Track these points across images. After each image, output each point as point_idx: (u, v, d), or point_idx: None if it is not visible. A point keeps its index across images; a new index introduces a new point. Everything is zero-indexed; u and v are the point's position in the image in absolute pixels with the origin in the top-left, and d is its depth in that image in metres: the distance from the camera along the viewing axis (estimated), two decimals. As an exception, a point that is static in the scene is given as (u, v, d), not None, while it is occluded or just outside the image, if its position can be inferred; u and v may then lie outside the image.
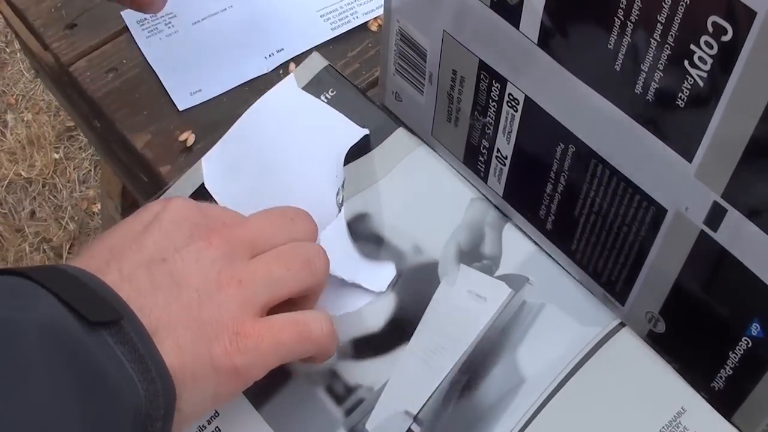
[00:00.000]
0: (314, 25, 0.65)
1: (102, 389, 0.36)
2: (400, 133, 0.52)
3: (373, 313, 0.47)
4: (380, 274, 0.48)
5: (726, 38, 0.37)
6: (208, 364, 0.40)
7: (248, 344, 0.41)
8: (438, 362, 0.45)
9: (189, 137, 0.60)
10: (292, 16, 0.66)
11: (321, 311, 0.44)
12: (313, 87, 0.54)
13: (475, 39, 0.50)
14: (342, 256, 0.47)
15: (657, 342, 0.49)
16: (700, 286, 0.46)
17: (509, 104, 0.51)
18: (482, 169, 0.56)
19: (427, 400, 0.44)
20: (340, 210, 0.49)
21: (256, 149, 0.52)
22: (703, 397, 0.46)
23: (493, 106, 0.52)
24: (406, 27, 0.55)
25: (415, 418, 0.44)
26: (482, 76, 0.51)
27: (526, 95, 0.49)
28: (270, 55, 0.64)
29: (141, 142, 0.60)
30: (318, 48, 0.64)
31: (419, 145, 0.52)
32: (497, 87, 0.50)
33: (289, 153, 0.51)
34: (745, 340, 0.45)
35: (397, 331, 0.46)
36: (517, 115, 0.50)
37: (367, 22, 0.65)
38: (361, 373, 0.45)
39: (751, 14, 0.35)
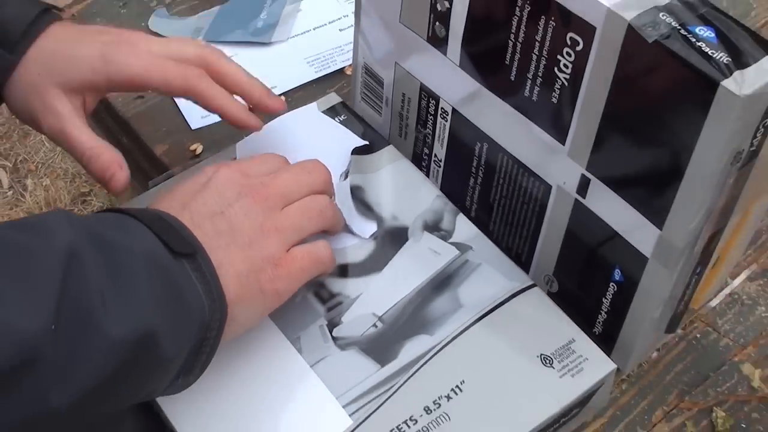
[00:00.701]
0: (302, 69, 0.81)
1: (183, 302, 0.49)
2: (390, 148, 0.68)
3: (357, 250, 0.62)
4: (366, 226, 0.63)
5: (579, 48, 0.52)
6: (257, 289, 0.54)
7: (283, 272, 0.55)
8: (401, 286, 0.60)
9: (198, 147, 0.75)
10: (285, 62, 0.81)
11: (323, 241, 0.58)
12: (329, 113, 0.70)
13: (416, 66, 0.66)
14: (343, 206, 0.63)
15: (558, 301, 0.63)
16: (578, 246, 0.60)
17: (441, 116, 0.66)
18: (424, 173, 0.71)
19: (390, 308, 0.59)
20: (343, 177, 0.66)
21: (281, 142, 0.67)
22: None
23: (431, 119, 0.67)
24: (370, 62, 0.70)
25: (380, 318, 0.58)
26: (422, 95, 0.66)
27: (453, 107, 0.64)
28: (265, 92, 0.80)
29: (160, 150, 0.75)
30: (303, 86, 0.80)
31: (402, 158, 0.68)
32: (433, 103, 0.66)
33: (307, 147, 0.67)
34: (612, 285, 0.59)
35: (373, 264, 0.61)
36: (447, 125, 0.66)
37: (343, 68, 0.81)
38: (342, 286, 0.60)
39: (593, 29, 0.51)
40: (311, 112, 0.70)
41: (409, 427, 0.53)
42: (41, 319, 0.41)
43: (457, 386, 0.55)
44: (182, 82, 0.62)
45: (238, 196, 0.56)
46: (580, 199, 0.58)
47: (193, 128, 0.77)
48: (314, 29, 0.83)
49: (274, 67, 0.81)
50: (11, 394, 0.41)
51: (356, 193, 0.65)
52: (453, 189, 0.68)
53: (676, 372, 0.64)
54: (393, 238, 0.62)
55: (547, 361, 0.57)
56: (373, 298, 0.59)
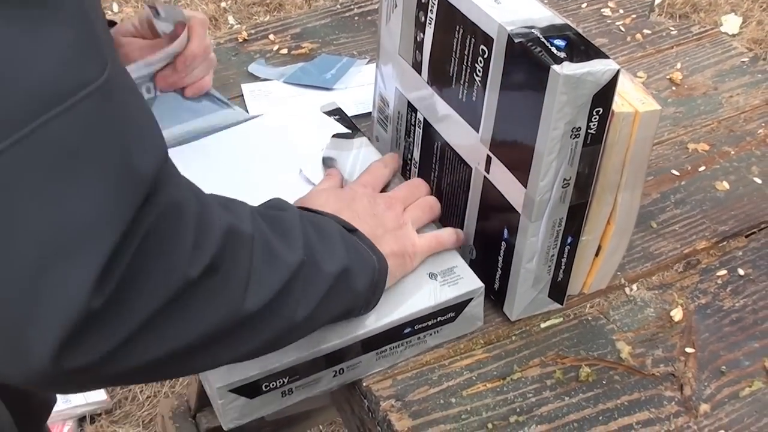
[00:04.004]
0: (349, 107, 1.03)
1: (360, 254, 0.69)
2: (364, 138, 0.90)
3: None
4: None
5: (485, 56, 0.72)
6: (402, 259, 0.74)
7: (418, 250, 0.76)
8: None
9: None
10: (339, 101, 1.05)
11: (448, 229, 0.81)
12: (328, 113, 0.94)
13: (405, 87, 0.87)
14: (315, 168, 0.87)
15: (475, 266, 0.80)
16: (486, 215, 0.78)
17: (418, 126, 0.86)
18: (408, 176, 0.90)
19: None
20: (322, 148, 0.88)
21: (292, 126, 0.91)
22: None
23: (412, 129, 0.87)
24: (382, 91, 0.92)
25: None
26: (408, 109, 0.87)
27: (424, 117, 0.85)
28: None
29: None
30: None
31: (370, 146, 0.89)
32: (413, 115, 0.86)
33: (309, 130, 0.90)
34: (503, 243, 0.76)
35: None
36: (421, 132, 0.86)
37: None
38: None
39: (492, 39, 0.71)
40: (315, 111, 0.94)
41: None
42: (297, 257, 0.62)
43: None
44: None
45: (378, 204, 0.77)
46: (486, 174, 0.76)
47: (257, 133, 1.01)
48: (367, 84, 1.07)
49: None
50: (283, 303, 0.60)
51: (327, 161, 0.87)
52: (422, 184, 0.88)
53: (562, 338, 0.78)
54: None
55: (433, 276, 0.75)
56: None
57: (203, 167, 0.81)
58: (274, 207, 0.68)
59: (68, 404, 1.59)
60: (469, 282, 0.75)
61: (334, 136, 0.89)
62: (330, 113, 0.94)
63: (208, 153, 0.88)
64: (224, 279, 0.54)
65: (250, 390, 0.69)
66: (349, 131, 0.91)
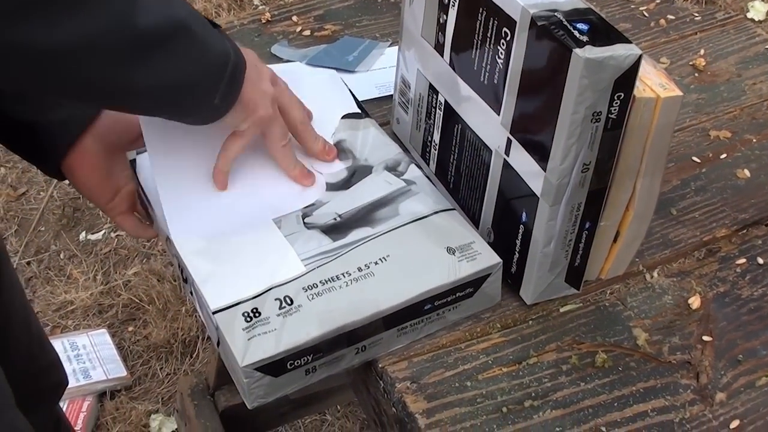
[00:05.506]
0: (370, 90, 1.02)
1: (211, 32, 0.70)
2: (371, 120, 0.90)
3: (335, 176, 0.83)
4: (340, 163, 0.85)
5: (508, 38, 0.71)
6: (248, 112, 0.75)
7: (256, 118, 0.77)
8: (359, 199, 0.80)
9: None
10: (361, 84, 1.04)
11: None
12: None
13: (427, 69, 0.86)
14: None
15: (492, 248, 0.79)
16: (504, 198, 0.77)
17: (439, 108, 0.85)
18: (427, 158, 0.90)
19: (348, 210, 0.79)
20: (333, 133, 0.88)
21: (308, 85, 0.89)
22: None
23: (433, 111, 0.87)
24: (404, 73, 0.92)
25: (340, 215, 0.78)
26: (430, 92, 0.86)
27: (445, 99, 0.84)
28: (340, 103, 1.03)
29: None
30: (369, 100, 1.02)
31: (378, 127, 0.89)
32: (434, 97, 0.86)
33: (321, 98, 0.90)
34: (521, 226, 0.75)
35: (343, 185, 0.82)
36: (441, 114, 0.85)
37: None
38: (320, 196, 0.81)
39: (514, 22, 0.70)
40: (335, 77, 0.95)
41: (344, 276, 0.73)
42: None
43: (383, 258, 0.74)
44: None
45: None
46: (506, 157, 0.75)
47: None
48: (389, 67, 1.06)
49: (353, 85, 1.04)
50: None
51: (341, 143, 0.86)
52: (441, 167, 0.87)
53: (578, 323, 0.78)
54: (361, 172, 0.83)
55: (451, 251, 0.75)
56: (338, 204, 0.80)
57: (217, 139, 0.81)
58: None
59: (89, 380, 1.60)
60: (487, 257, 0.75)
61: (343, 117, 0.89)
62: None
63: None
64: None
65: (275, 368, 0.70)
66: (358, 112, 0.91)
